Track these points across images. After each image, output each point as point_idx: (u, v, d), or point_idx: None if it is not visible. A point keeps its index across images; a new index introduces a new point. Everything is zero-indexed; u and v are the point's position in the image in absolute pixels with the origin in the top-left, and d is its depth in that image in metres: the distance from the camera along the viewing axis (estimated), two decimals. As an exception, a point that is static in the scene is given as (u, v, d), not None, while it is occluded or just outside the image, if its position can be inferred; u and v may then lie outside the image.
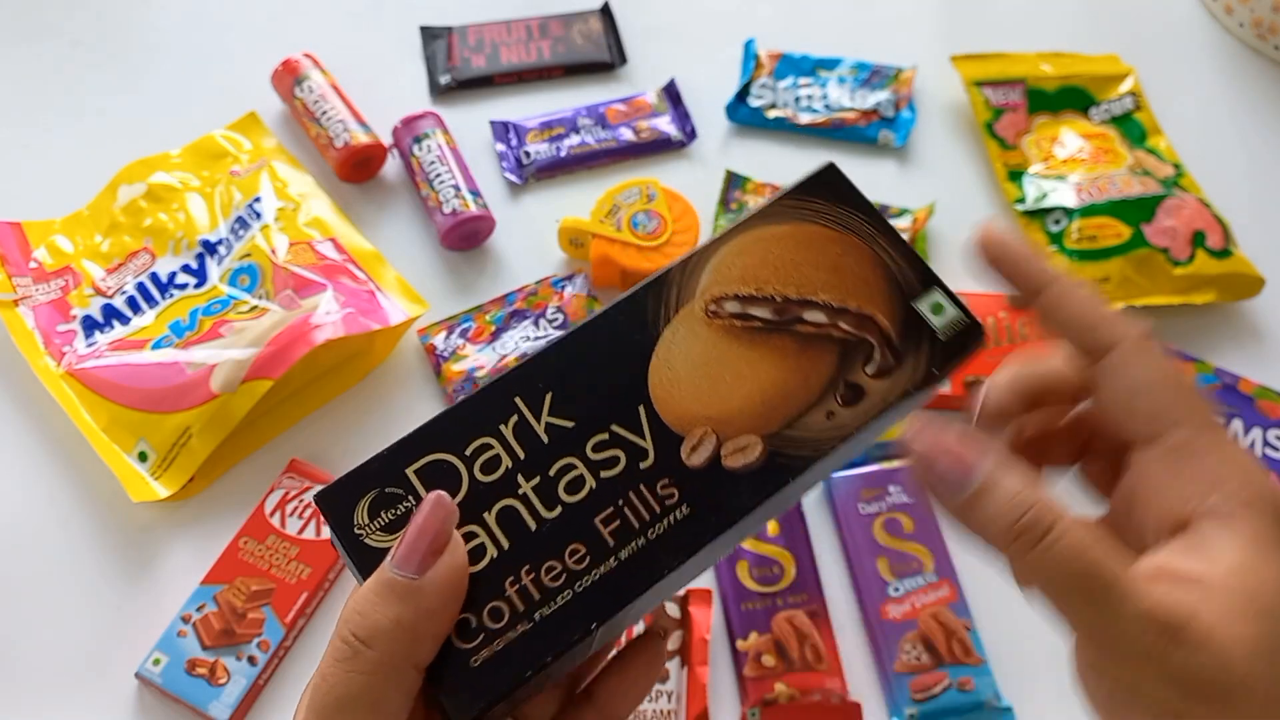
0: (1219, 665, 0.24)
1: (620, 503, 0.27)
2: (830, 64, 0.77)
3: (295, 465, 0.58)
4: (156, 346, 0.60)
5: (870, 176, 0.73)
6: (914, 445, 0.27)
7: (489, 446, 0.27)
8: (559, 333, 0.27)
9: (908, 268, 0.30)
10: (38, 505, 0.58)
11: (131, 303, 0.63)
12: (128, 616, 0.55)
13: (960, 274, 0.69)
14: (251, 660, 0.52)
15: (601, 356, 0.29)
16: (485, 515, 0.27)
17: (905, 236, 0.68)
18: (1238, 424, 0.61)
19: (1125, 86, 0.76)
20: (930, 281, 0.30)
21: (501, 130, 0.74)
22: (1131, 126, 0.74)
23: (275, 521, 0.56)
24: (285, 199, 0.67)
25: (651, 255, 0.64)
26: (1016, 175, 0.72)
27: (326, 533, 0.56)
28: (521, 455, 0.27)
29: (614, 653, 0.32)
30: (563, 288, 0.65)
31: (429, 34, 0.79)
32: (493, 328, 0.64)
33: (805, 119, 0.75)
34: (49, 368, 0.60)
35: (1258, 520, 0.25)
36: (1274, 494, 0.26)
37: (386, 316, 0.61)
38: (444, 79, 0.76)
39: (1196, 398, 0.27)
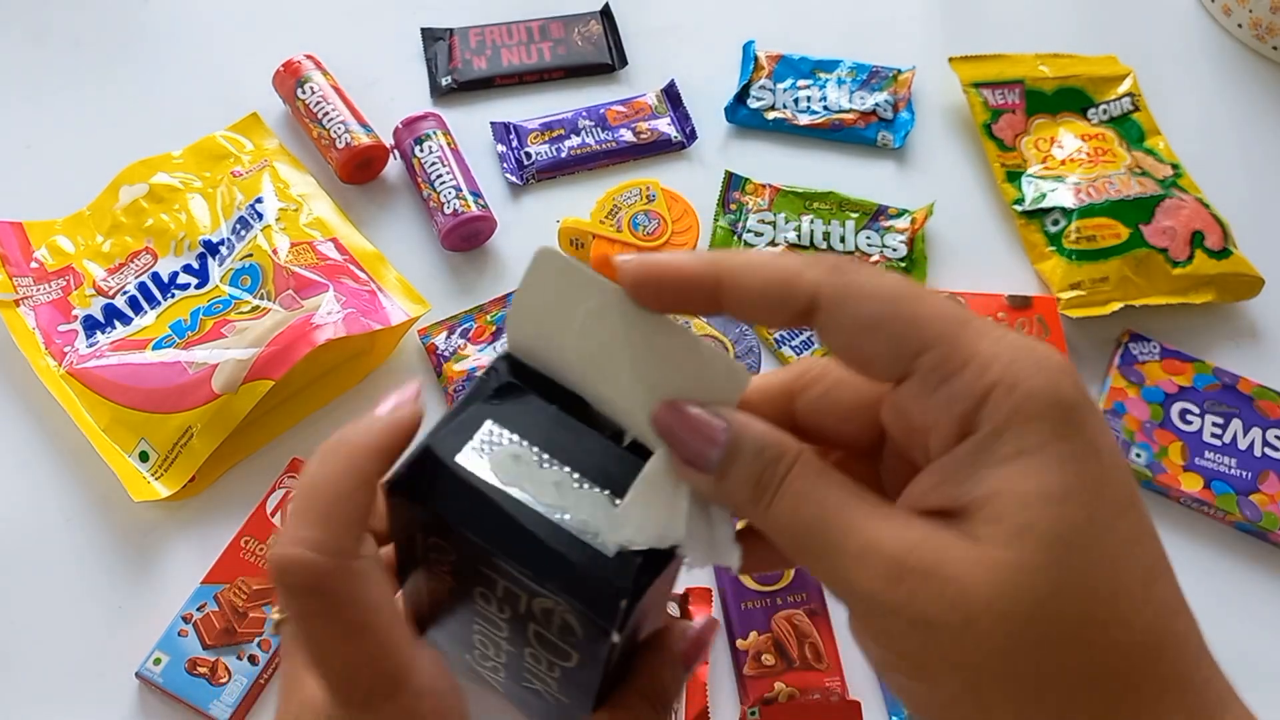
0: (951, 599, 0.20)
1: None
2: (829, 65, 0.77)
3: (296, 465, 0.58)
4: (158, 347, 0.60)
5: (869, 178, 0.73)
6: (658, 426, 0.24)
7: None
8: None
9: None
10: (39, 505, 0.58)
11: (133, 303, 0.63)
12: (128, 616, 0.55)
13: (957, 274, 0.69)
14: (252, 660, 0.52)
15: None
16: None
17: (904, 238, 0.68)
18: (1237, 423, 0.61)
19: (1124, 87, 0.76)
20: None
21: (502, 131, 0.74)
22: (1130, 127, 0.75)
23: (277, 521, 0.56)
24: (287, 200, 0.67)
25: (651, 256, 0.65)
26: (1015, 176, 0.72)
27: None
28: None
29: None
30: (563, 288, 0.65)
31: (430, 36, 0.79)
32: (494, 328, 0.64)
33: (804, 120, 0.75)
34: (50, 368, 0.60)
35: (1032, 424, 0.21)
36: (1049, 390, 0.21)
37: (388, 316, 0.61)
38: (445, 80, 0.77)
39: (935, 311, 0.22)
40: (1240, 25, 0.82)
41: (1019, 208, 0.70)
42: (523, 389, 0.26)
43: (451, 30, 0.79)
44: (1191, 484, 0.59)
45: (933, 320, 0.22)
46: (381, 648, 0.25)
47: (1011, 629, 0.20)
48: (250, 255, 0.63)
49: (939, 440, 0.22)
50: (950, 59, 0.77)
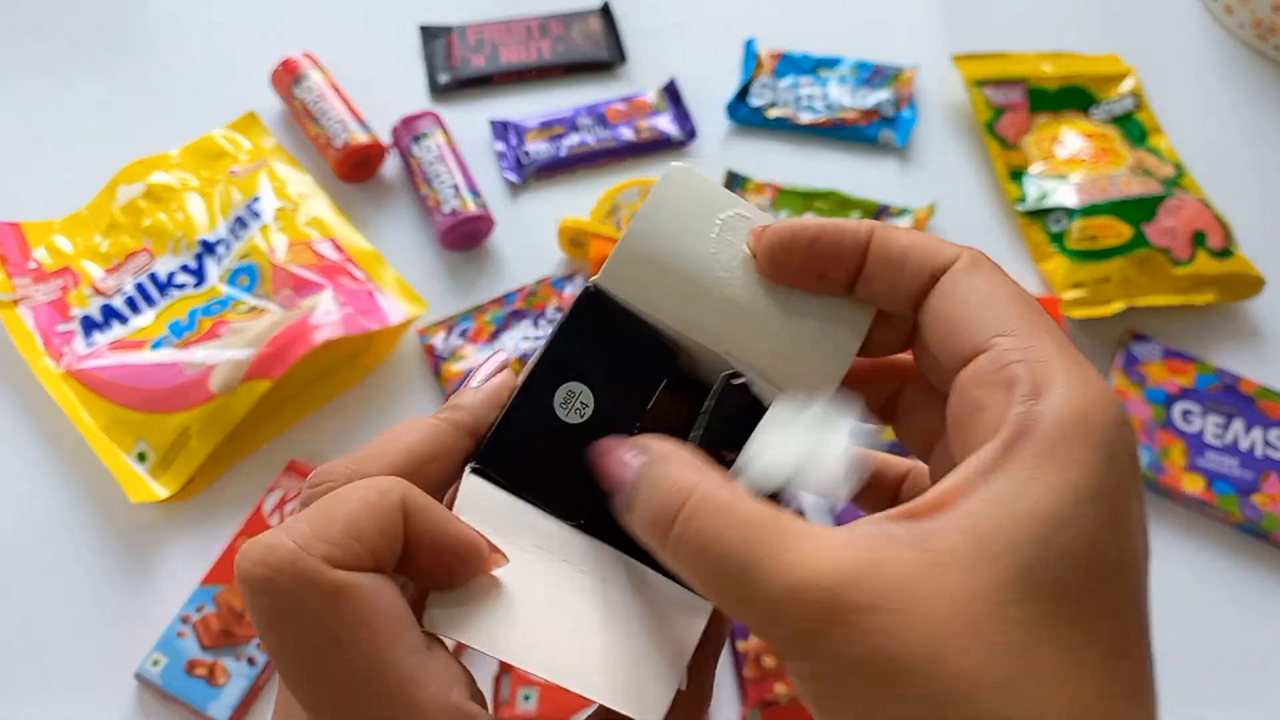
0: (891, 632, 0.18)
1: None
2: (831, 63, 0.77)
3: (294, 465, 0.58)
4: (156, 346, 0.59)
5: (871, 176, 0.73)
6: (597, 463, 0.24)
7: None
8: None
9: None
10: (37, 506, 0.58)
11: (131, 303, 0.63)
12: (127, 617, 0.55)
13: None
14: (251, 661, 0.52)
15: None
16: None
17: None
18: (1239, 423, 0.61)
19: (1126, 86, 0.76)
20: None
21: (501, 129, 0.73)
22: (1132, 126, 0.74)
23: (274, 521, 0.56)
24: (284, 199, 0.66)
25: (651, 255, 0.64)
26: (1017, 175, 0.72)
27: None
28: None
29: None
30: (562, 288, 0.65)
31: (428, 33, 0.79)
32: (492, 328, 0.64)
33: (806, 118, 0.75)
34: (48, 368, 0.60)
35: (1075, 443, 0.20)
36: (1097, 418, 0.20)
37: (386, 316, 0.61)
38: (443, 78, 0.76)
39: (1033, 310, 0.23)
40: (1242, 25, 0.82)
41: (1021, 207, 0.70)
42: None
43: (450, 28, 0.79)
44: (1193, 484, 0.59)
45: (1030, 312, 0.23)
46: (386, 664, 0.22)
47: (957, 662, 0.18)
48: (248, 255, 0.63)
49: (984, 427, 0.21)
50: (953, 57, 0.76)
